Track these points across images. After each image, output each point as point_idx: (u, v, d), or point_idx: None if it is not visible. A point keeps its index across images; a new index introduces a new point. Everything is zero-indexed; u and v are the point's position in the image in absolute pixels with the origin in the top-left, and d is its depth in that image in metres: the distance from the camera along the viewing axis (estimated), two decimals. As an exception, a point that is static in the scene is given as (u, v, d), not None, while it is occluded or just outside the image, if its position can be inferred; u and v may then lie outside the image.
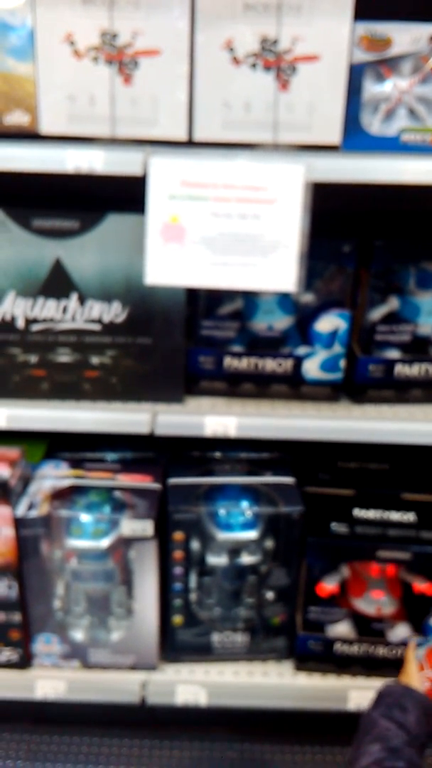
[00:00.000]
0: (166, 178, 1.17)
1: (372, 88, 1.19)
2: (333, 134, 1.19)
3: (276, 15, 1.14)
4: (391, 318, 1.38)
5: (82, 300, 1.33)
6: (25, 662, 1.47)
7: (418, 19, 1.17)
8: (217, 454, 1.55)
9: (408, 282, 1.36)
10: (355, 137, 1.20)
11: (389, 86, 1.19)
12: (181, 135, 1.20)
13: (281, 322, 1.40)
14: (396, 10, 1.18)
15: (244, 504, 1.43)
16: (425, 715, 1.09)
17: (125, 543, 1.37)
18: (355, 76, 1.17)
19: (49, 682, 1.48)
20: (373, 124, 1.21)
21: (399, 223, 1.42)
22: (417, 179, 1.17)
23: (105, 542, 1.37)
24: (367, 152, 1.20)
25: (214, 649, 1.49)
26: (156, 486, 1.43)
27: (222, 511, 1.42)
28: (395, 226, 1.40)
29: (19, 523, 1.35)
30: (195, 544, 1.41)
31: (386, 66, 1.19)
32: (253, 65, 1.16)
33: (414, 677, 1.18)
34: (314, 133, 1.19)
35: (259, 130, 1.20)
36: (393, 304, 1.38)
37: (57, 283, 1.32)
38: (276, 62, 1.16)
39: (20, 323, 1.34)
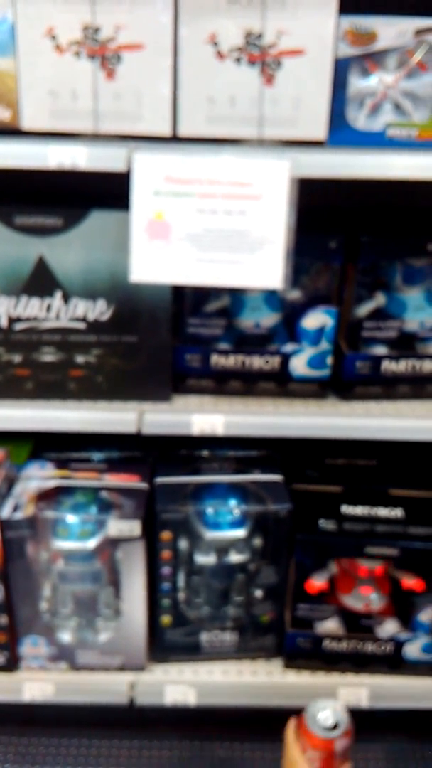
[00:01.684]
0: (151, 174, 1.15)
1: (357, 83, 1.18)
2: (318, 129, 1.18)
3: (260, 9, 1.13)
4: (378, 314, 1.38)
5: (66, 298, 1.31)
6: (12, 665, 1.46)
7: (403, 12, 1.16)
8: (205, 453, 1.54)
9: (394, 278, 1.36)
10: (341, 132, 1.19)
11: (375, 81, 1.19)
12: (166, 130, 1.19)
13: (268, 319, 1.40)
14: (381, 4, 1.17)
15: (232, 502, 1.43)
16: None
17: (112, 543, 1.36)
18: (341, 70, 1.17)
19: (36, 685, 1.47)
20: (359, 119, 1.20)
21: (385, 219, 1.41)
22: (403, 174, 1.17)
23: (92, 543, 1.36)
24: (353, 147, 1.19)
25: (202, 648, 1.48)
26: (143, 485, 1.41)
27: (210, 510, 1.41)
28: (382, 222, 1.40)
29: (4, 525, 1.33)
30: (183, 544, 1.40)
31: (371, 60, 1.18)
32: (238, 60, 1.15)
33: (298, 763, 1.09)
34: (300, 128, 1.18)
35: (244, 125, 1.18)
36: (379, 300, 1.37)
37: (40, 281, 1.30)
38: (260, 56, 1.15)
39: (3, 322, 1.32)
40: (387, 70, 1.18)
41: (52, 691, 1.47)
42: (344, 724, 1.10)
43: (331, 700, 1.13)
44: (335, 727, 1.09)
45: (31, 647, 1.45)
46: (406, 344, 1.40)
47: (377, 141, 1.20)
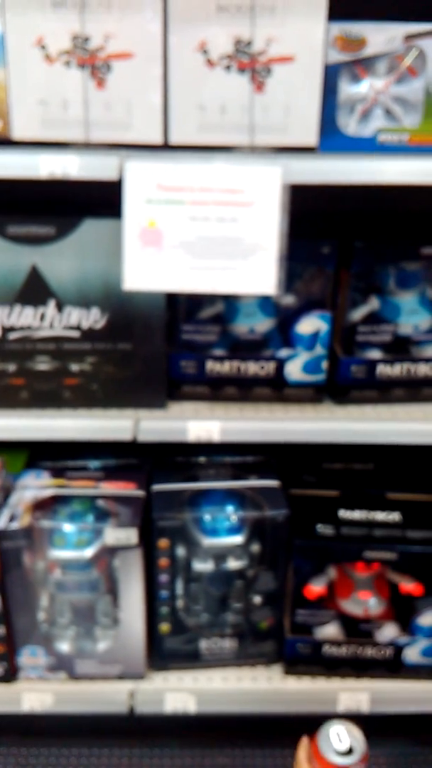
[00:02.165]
0: (142, 183, 1.15)
1: (348, 89, 1.19)
2: (309, 136, 1.18)
3: (249, 16, 1.13)
4: (372, 318, 1.38)
5: (60, 307, 1.31)
6: (10, 676, 1.45)
7: (392, 18, 1.16)
8: (202, 459, 1.53)
9: (388, 282, 1.36)
10: (332, 138, 1.20)
11: (365, 86, 1.19)
12: (157, 138, 1.19)
13: (262, 324, 1.40)
14: (370, 10, 1.17)
15: (229, 509, 1.42)
16: None
17: (109, 552, 1.36)
18: (331, 76, 1.17)
19: (35, 695, 1.46)
20: (350, 124, 1.20)
21: (378, 223, 1.41)
22: (394, 179, 1.17)
23: (89, 552, 1.35)
24: (344, 153, 1.20)
25: (202, 655, 1.48)
26: (140, 493, 1.41)
27: (207, 517, 1.41)
28: (374, 227, 1.40)
29: (0, 536, 1.32)
30: (180, 551, 1.40)
31: (361, 66, 1.18)
32: (228, 67, 1.15)
33: None
34: (291, 134, 1.18)
35: (235, 132, 1.18)
36: (373, 304, 1.38)
37: (34, 290, 1.30)
38: (250, 64, 1.15)
39: (-3, 332, 1.32)
40: (377, 75, 1.19)
41: (51, 701, 1.46)
42: (359, 749, 1.04)
43: (345, 723, 1.07)
44: (350, 751, 1.04)
45: (30, 657, 1.44)
46: (400, 348, 1.40)
47: (368, 146, 1.20)
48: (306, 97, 1.16)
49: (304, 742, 1.08)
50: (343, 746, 1.03)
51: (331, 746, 1.03)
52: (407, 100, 1.19)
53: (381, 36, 1.16)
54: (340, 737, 1.03)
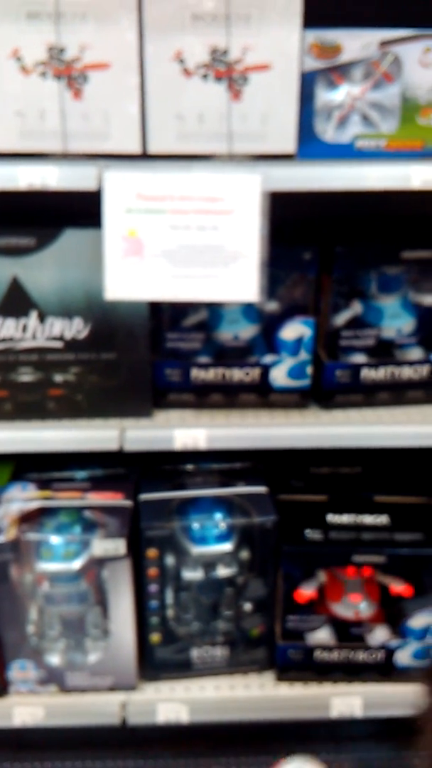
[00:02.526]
0: (122, 192, 1.15)
1: (324, 96, 1.19)
2: (288, 143, 1.19)
3: (225, 25, 1.13)
4: (355, 323, 1.38)
5: (42, 317, 1.31)
6: (1, 690, 1.44)
7: (367, 25, 1.17)
8: (189, 467, 1.53)
9: (370, 287, 1.37)
10: (310, 145, 1.20)
11: (341, 93, 1.20)
12: (135, 148, 1.19)
13: (246, 331, 1.40)
14: (345, 17, 1.18)
15: (218, 516, 1.42)
16: None
17: (98, 563, 1.35)
18: (307, 83, 1.17)
19: (26, 709, 1.45)
20: (327, 131, 1.21)
21: (358, 228, 1.42)
22: (373, 185, 1.18)
23: (77, 564, 1.35)
24: (323, 160, 1.20)
25: (193, 664, 1.47)
26: (127, 503, 1.41)
27: (195, 525, 1.41)
28: (355, 232, 1.41)
29: (-13, 549, 1.32)
30: (169, 560, 1.39)
31: (337, 73, 1.19)
32: (205, 76, 1.15)
33: None
34: (269, 142, 1.19)
35: (213, 141, 1.19)
36: (356, 309, 1.38)
37: (15, 301, 1.29)
38: (227, 72, 1.15)
39: (-21, 344, 1.32)
40: (353, 82, 1.19)
41: (42, 714, 1.45)
42: None
43: (303, 759, 1.05)
44: None
45: (20, 671, 1.43)
46: (384, 352, 1.41)
47: (346, 153, 1.21)
48: (283, 104, 1.17)
49: None
50: None
51: None
52: (384, 105, 1.20)
53: (356, 42, 1.16)
54: None
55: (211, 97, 1.16)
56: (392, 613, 1.45)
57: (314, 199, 1.22)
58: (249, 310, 1.38)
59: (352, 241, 1.34)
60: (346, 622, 1.45)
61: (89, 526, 1.38)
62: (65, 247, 1.26)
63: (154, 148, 1.19)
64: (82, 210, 1.21)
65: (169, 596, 1.42)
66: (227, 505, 1.43)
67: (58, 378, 1.35)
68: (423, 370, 1.41)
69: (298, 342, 1.38)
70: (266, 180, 1.14)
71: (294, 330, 1.37)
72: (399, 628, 1.45)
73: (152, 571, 1.39)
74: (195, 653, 1.46)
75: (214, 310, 1.37)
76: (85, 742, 1.61)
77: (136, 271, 1.19)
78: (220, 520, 1.41)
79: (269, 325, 1.38)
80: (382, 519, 1.43)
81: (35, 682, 1.44)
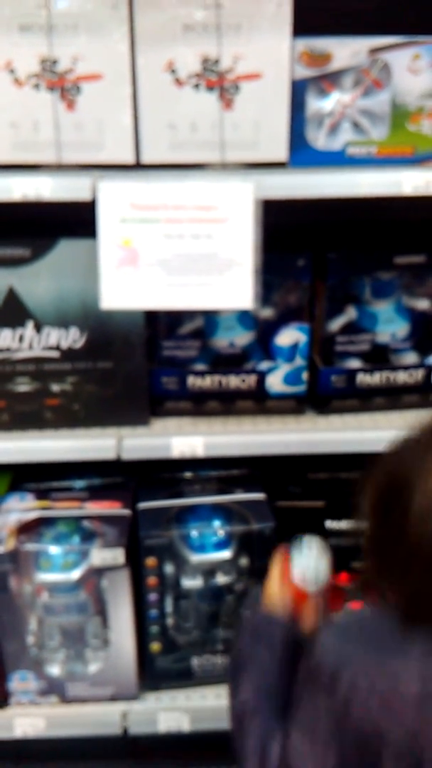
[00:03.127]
0: (116, 202, 1.16)
1: (315, 104, 1.20)
2: (279, 151, 1.20)
3: (216, 35, 1.14)
4: (350, 328, 1.39)
5: (38, 327, 1.31)
6: (1, 701, 1.43)
7: (356, 32, 1.18)
8: (187, 474, 1.53)
9: (364, 292, 1.37)
10: (302, 153, 1.21)
11: (332, 101, 1.21)
12: (129, 158, 1.20)
13: (242, 338, 1.40)
14: (335, 25, 1.19)
15: (216, 523, 1.42)
16: (288, 636, 1.05)
17: (97, 573, 1.35)
18: (298, 92, 1.18)
19: (27, 720, 1.44)
20: (319, 138, 1.22)
21: (351, 234, 1.43)
22: (364, 192, 1.19)
23: (76, 574, 1.34)
24: (315, 167, 1.21)
25: (194, 673, 1.47)
26: (125, 512, 1.40)
27: (194, 533, 1.40)
28: (348, 238, 1.41)
29: (-15, 560, 1.31)
30: (169, 569, 1.39)
31: (328, 81, 1.20)
32: (196, 86, 1.16)
33: (274, 590, 1.13)
34: (261, 150, 1.20)
35: (206, 150, 1.19)
36: (351, 314, 1.39)
37: (11, 312, 1.29)
38: (218, 82, 1.16)
39: (-24, 355, 1.32)
40: (343, 89, 1.20)
41: (43, 725, 1.44)
42: (323, 578, 1.11)
43: (318, 549, 1.13)
44: (317, 581, 1.11)
45: (20, 682, 1.42)
46: (379, 357, 1.41)
47: (338, 160, 1.22)
48: (274, 112, 1.18)
49: (283, 553, 1.15)
50: (315, 575, 1.10)
51: (305, 576, 1.10)
52: (374, 112, 1.21)
53: (346, 50, 1.17)
54: (306, 564, 1.11)
55: (203, 106, 1.17)
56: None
57: (307, 206, 1.23)
58: (244, 317, 1.38)
59: (345, 247, 1.35)
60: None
61: (88, 536, 1.38)
62: (60, 257, 1.26)
63: (147, 158, 1.20)
64: (77, 220, 1.22)
65: (169, 605, 1.42)
66: (226, 513, 1.43)
67: (55, 388, 1.36)
68: (418, 375, 1.41)
69: (294, 348, 1.38)
70: (259, 188, 1.15)
71: (289, 336, 1.38)
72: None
73: (151, 580, 1.38)
74: (196, 662, 1.46)
75: (210, 317, 1.37)
76: (86, 752, 1.61)
77: (131, 281, 1.19)
78: (218, 528, 1.41)
79: (264, 331, 1.38)
80: (381, 523, 1.42)
81: (36, 693, 1.43)
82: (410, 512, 0.81)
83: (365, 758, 0.86)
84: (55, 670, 1.42)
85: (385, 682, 0.83)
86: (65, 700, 1.44)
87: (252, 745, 0.98)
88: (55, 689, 1.43)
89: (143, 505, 1.43)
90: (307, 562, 1.11)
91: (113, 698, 1.45)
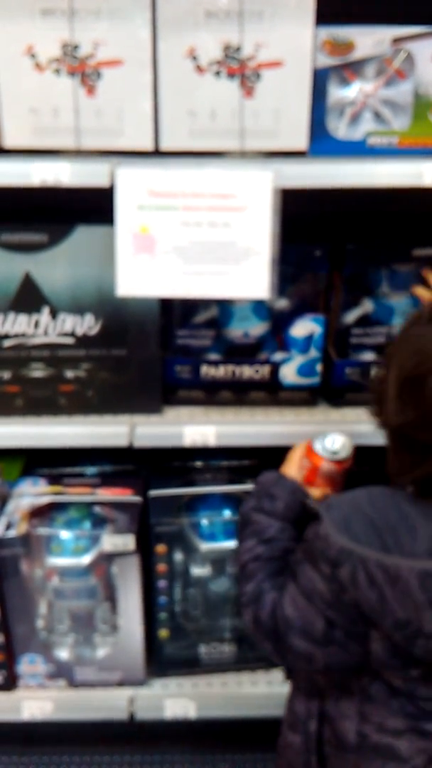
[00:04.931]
0: (134, 189, 1.16)
1: (337, 93, 1.19)
2: (300, 140, 1.19)
3: (238, 21, 1.13)
4: (365, 321, 1.38)
5: (54, 314, 1.31)
6: (10, 684, 1.45)
7: (380, 21, 1.17)
8: (198, 463, 1.53)
9: (380, 284, 1.36)
10: (322, 142, 1.20)
11: (354, 90, 1.20)
12: (148, 145, 1.19)
13: (257, 328, 1.40)
14: (358, 14, 1.18)
15: (227, 513, 1.42)
16: (293, 498, 1.11)
17: (107, 558, 1.35)
18: (320, 80, 1.17)
19: (35, 703, 1.46)
20: (340, 128, 1.21)
21: (370, 226, 1.42)
22: (385, 182, 1.18)
23: (86, 559, 1.35)
24: (335, 157, 1.20)
25: (201, 660, 1.48)
26: (137, 499, 1.41)
27: (204, 522, 1.41)
28: (366, 229, 1.40)
29: (-3, 543, 1.32)
30: (178, 556, 1.40)
31: (350, 70, 1.19)
32: (217, 73, 1.16)
33: (292, 465, 1.19)
34: (281, 139, 1.19)
35: (225, 137, 1.19)
36: (366, 306, 1.38)
37: (27, 297, 1.30)
38: (240, 69, 1.15)
39: (-9, 340, 1.32)
40: (366, 78, 1.19)
41: (51, 708, 1.46)
42: (342, 455, 1.17)
43: (345, 436, 1.18)
44: (334, 453, 1.17)
45: (29, 665, 1.44)
46: (394, 349, 1.40)
47: (358, 149, 1.21)
48: (295, 101, 1.17)
49: (302, 444, 1.21)
50: (331, 446, 1.16)
51: (322, 441, 1.17)
52: (396, 102, 1.20)
53: (369, 39, 1.16)
54: (333, 441, 1.17)
55: (224, 94, 1.16)
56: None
57: (326, 196, 1.22)
58: (259, 308, 1.38)
59: (364, 239, 1.34)
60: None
61: (99, 522, 1.39)
62: (77, 243, 1.26)
63: (166, 145, 1.20)
64: (95, 206, 1.22)
65: (178, 592, 1.43)
66: (236, 502, 1.44)
67: (69, 374, 1.36)
68: (433, 368, 1.41)
69: (308, 339, 1.38)
70: (278, 177, 1.14)
71: (304, 327, 1.37)
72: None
73: (161, 567, 1.39)
74: (203, 649, 1.47)
75: (225, 307, 1.37)
76: (93, 736, 1.62)
77: (147, 268, 1.19)
78: (228, 517, 1.42)
79: (279, 322, 1.38)
80: (391, 517, 1.42)
81: (44, 676, 1.44)
82: None
83: (356, 627, 0.92)
84: (63, 654, 1.43)
85: (383, 576, 0.87)
86: (73, 684, 1.45)
87: (250, 590, 1.03)
88: (63, 673, 1.44)
89: (154, 492, 1.43)
90: (329, 436, 1.17)
91: (121, 683, 1.46)
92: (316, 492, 1.15)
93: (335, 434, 1.18)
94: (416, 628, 0.87)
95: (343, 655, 0.95)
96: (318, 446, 1.17)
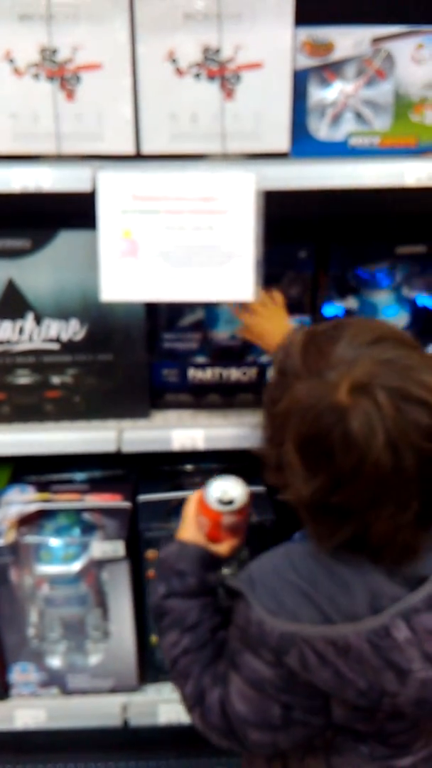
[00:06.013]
0: (117, 193, 1.15)
1: (317, 94, 1.19)
2: (281, 141, 1.19)
3: (217, 23, 1.13)
4: (352, 320, 1.38)
5: (38, 320, 1.31)
6: (2, 693, 1.44)
7: (359, 21, 1.17)
8: (187, 467, 1.53)
9: (365, 282, 1.37)
10: (304, 143, 1.20)
11: (334, 91, 1.19)
12: (129, 149, 1.19)
13: (243, 330, 1.39)
14: (337, 14, 1.18)
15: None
16: (203, 567, 1.02)
17: (97, 565, 1.35)
18: (300, 81, 1.17)
19: (28, 712, 1.45)
20: (321, 129, 1.21)
21: (353, 225, 1.42)
22: (367, 183, 1.17)
23: (76, 566, 1.34)
24: (317, 158, 1.20)
25: (194, 665, 1.47)
26: (126, 504, 1.40)
27: (194, 525, 1.40)
28: (350, 228, 1.40)
29: (-14, 553, 1.31)
30: (169, 561, 1.39)
31: (330, 70, 1.19)
32: (197, 75, 1.15)
33: (189, 525, 1.09)
34: (262, 141, 1.19)
35: (207, 140, 1.19)
36: (352, 305, 1.38)
37: (11, 303, 1.29)
38: (219, 71, 1.15)
39: (-24, 347, 1.31)
40: (346, 79, 1.19)
41: (44, 717, 1.45)
42: (239, 503, 1.09)
43: (236, 479, 1.11)
44: (230, 503, 1.08)
45: (21, 674, 1.43)
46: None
47: (340, 150, 1.21)
48: (276, 102, 1.17)
49: (195, 496, 1.13)
50: (224, 497, 1.08)
51: (212, 494, 1.08)
52: (377, 102, 1.20)
53: (348, 40, 1.16)
54: (222, 489, 1.09)
55: (204, 96, 1.16)
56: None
57: (309, 197, 1.22)
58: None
59: (347, 239, 1.34)
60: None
61: (88, 528, 1.38)
62: (60, 248, 1.26)
63: (147, 149, 1.19)
64: (77, 211, 1.21)
65: (170, 597, 1.42)
66: (226, 505, 1.43)
67: (56, 380, 1.35)
68: (420, 367, 1.41)
69: (295, 341, 1.38)
70: (260, 179, 1.14)
71: (291, 328, 1.37)
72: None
73: (152, 573, 1.38)
74: (196, 654, 1.46)
75: (211, 309, 1.37)
76: (87, 744, 1.62)
77: (131, 273, 1.18)
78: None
79: (266, 324, 1.38)
80: (382, 517, 1.42)
81: (37, 684, 1.43)
82: (349, 448, 0.77)
83: (315, 701, 0.86)
84: (55, 661, 1.42)
85: (334, 652, 0.80)
86: (66, 691, 1.44)
87: (190, 691, 0.95)
88: (55, 681, 1.43)
89: (143, 497, 1.42)
90: (218, 486, 1.09)
91: (113, 690, 1.45)
92: (223, 547, 1.07)
93: (223, 481, 1.10)
94: (379, 691, 0.81)
95: (307, 730, 0.88)
96: (211, 501, 1.07)
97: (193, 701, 0.95)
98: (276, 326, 1.19)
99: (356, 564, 0.84)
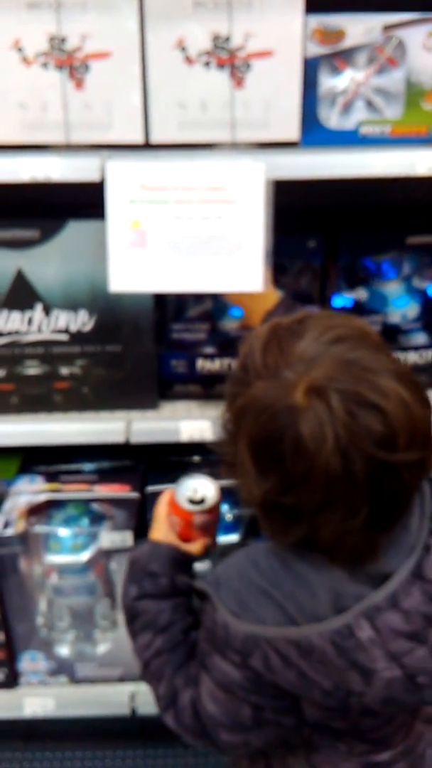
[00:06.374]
0: (125, 183, 1.15)
1: (328, 82, 1.18)
2: (291, 130, 1.18)
3: (227, 11, 1.12)
4: (360, 310, 1.37)
5: (47, 310, 1.31)
6: (11, 681, 1.45)
7: (370, 9, 1.16)
8: (196, 458, 1.53)
9: (374, 273, 1.36)
10: (314, 132, 1.19)
11: (345, 79, 1.18)
12: (138, 138, 1.18)
13: (251, 321, 1.39)
14: (348, 2, 1.17)
15: (225, 507, 1.42)
16: (175, 565, 1.02)
17: (105, 555, 1.35)
18: (310, 70, 1.16)
19: (37, 700, 1.46)
20: (331, 118, 1.20)
21: (363, 215, 1.41)
22: (377, 172, 1.17)
23: (85, 556, 1.35)
24: (327, 147, 1.19)
25: (202, 654, 1.48)
26: (134, 495, 1.41)
27: (202, 516, 1.40)
28: (359, 218, 1.39)
29: (-5, 542, 1.32)
30: (177, 551, 1.39)
31: (341, 58, 1.18)
32: (207, 64, 1.14)
33: (161, 525, 1.08)
34: (272, 130, 1.18)
35: (216, 129, 1.18)
36: (361, 295, 1.37)
37: (20, 294, 1.29)
38: (229, 60, 1.14)
39: (-15, 338, 1.32)
40: (357, 67, 1.18)
41: (53, 705, 1.46)
42: (211, 502, 1.07)
43: (206, 477, 1.10)
44: (201, 503, 1.07)
45: (30, 662, 1.44)
46: (390, 337, 1.40)
47: (351, 139, 1.20)
48: (286, 91, 1.16)
49: (165, 496, 1.12)
50: (195, 496, 1.06)
51: (183, 494, 1.07)
52: (388, 91, 1.19)
53: (359, 27, 1.15)
54: (192, 488, 1.07)
55: (214, 85, 1.15)
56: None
57: (319, 186, 1.21)
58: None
59: (357, 228, 1.33)
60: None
61: (97, 519, 1.39)
62: (69, 239, 1.25)
63: (156, 138, 1.19)
64: (86, 201, 1.21)
65: (178, 587, 1.43)
66: (234, 497, 1.43)
67: (64, 371, 1.35)
68: (428, 355, 1.40)
69: (304, 331, 1.37)
70: (270, 168, 1.13)
71: (299, 319, 1.36)
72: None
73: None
74: (204, 644, 1.47)
75: (219, 300, 1.36)
76: (95, 732, 1.63)
77: (140, 263, 1.18)
78: (226, 512, 1.41)
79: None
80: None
81: (45, 673, 1.45)
82: (300, 452, 0.74)
83: (284, 702, 0.85)
84: (64, 650, 1.43)
85: (297, 653, 0.80)
86: (74, 680, 1.45)
87: (163, 692, 0.95)
88: (64, 670, 1.44)
89: (152, 488, 1.43)
90: (188, 485, 1.08)
91: (122, 679, 1.46)
92: (196, 546, 1.07)
93: (194, 480, 1.08)
94: (345, 691, 0.81)
95: (279, 730, 0.88)
96: (181, 500, 1.06)
97: (166, 703, 0.95)
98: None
99: (318, 562, 0.82)
